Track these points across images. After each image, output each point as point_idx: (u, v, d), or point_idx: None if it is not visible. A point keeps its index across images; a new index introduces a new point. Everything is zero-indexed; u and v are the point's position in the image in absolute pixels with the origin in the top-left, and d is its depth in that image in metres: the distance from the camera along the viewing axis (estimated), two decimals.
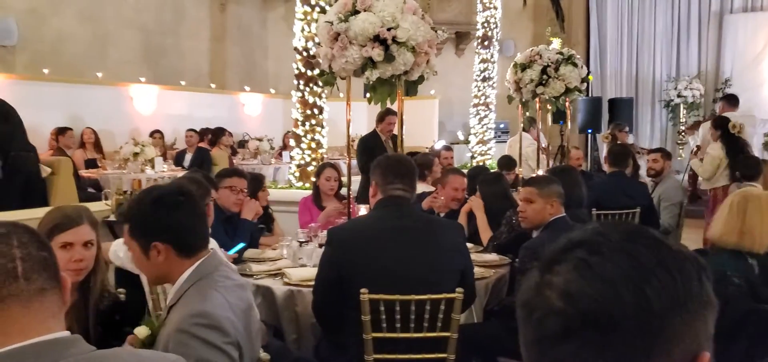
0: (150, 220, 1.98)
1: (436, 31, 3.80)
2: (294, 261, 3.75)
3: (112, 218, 4.91)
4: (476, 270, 3.34)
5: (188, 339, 1.83)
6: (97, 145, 9.24)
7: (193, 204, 2.05)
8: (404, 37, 3.62)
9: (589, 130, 11.18)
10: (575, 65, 6.38)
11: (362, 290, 2.70)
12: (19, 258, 1.14)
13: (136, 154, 8.49)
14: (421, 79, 3.93)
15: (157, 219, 1.98)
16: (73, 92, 9.53)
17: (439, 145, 8.92)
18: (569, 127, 7.82)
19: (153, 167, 8.47)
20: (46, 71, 9.45)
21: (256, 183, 4.68)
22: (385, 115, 6.44)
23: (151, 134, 10.06)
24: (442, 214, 4.65)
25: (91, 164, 8.83)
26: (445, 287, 2.78)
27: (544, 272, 0.75)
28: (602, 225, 0.78)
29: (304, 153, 6.42)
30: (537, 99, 6.56)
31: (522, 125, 7.33)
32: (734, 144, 7.04)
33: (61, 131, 8.63)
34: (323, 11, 4.02)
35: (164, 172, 8.41)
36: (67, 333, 1.20)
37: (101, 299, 2.36)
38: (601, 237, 0.75)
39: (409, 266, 2.82)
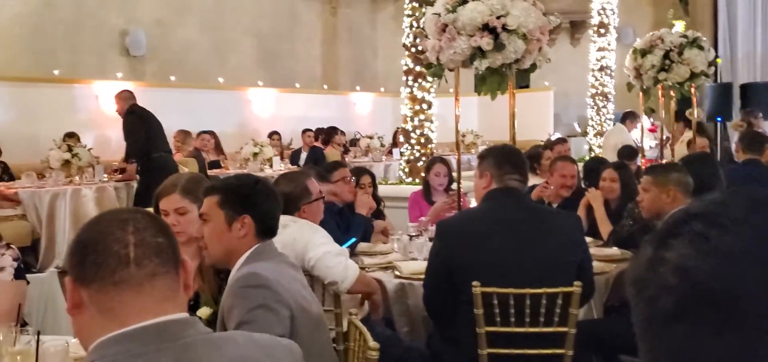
0: (247, 197, 2.21)
1: (547, 17, 3.66)
2: (404, 255, 3.75)
3: None
4: (596, 264, 3.19)
5: (236, 300, 1.97)
6: (217, 148, 9.72)
7: (277, 197, 2.32)
8: (514, 25, 3.51)
9: (719, 118, 10.44)
10: (701, 48, 5.95)
11: (474, 283, 2.63)
12: (133, 244, 1.19)
13: (255, 154, 8.89)
14: (534, 66, 3.81)
15: (255, 198, 2.21)
16: (197, 97, 10.09)
17: (554, 138, 8.68)
18: (696, 115, 7.33)
19: (271, 166, 8.81)
20: (172, 78, 10.06)
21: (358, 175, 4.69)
22: None
23: (269, 135, 10.46)
24: (554, 205, 4.52)
25: (214, 165, 9.30)
26: (561, 280, 2.66)
27: (658, 247, 0.67)
28: (724, 194, 0.69)
29: (413, 149, 6.42)
30: (659, 86, 6.19)
31: (643, 114, 6.95)
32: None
33: (186, 135, 9.13)
34: (430, 4, 3.98)
35: (282, 170, 8.72)
36: (184, 314, 1.25)
37: None
38: (721, 207, 0.67)
39: (523, 258, 2.71)
